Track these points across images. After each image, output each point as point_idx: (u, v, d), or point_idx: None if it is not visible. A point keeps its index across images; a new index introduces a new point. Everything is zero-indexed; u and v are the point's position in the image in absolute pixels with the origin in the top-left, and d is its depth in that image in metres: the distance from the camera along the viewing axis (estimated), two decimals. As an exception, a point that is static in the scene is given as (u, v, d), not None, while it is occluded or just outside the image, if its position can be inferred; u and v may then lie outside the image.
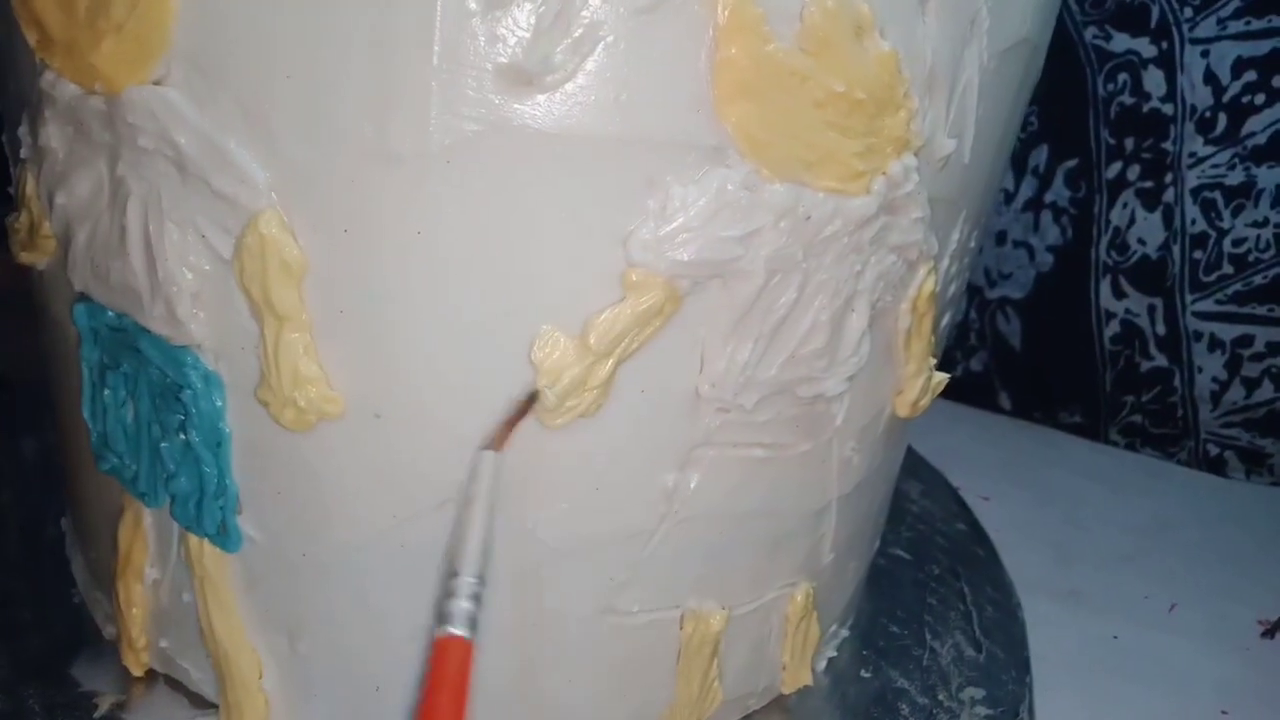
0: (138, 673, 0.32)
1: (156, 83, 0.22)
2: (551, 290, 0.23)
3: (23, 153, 0.26)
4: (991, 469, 0.53)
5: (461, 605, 0.19)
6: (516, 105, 0.21)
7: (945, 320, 0.33)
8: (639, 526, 0.27)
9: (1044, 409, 0.62)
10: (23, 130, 0.26)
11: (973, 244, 0.32)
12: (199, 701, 0.31)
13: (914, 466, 0.51)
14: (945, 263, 0.29)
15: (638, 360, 0.24)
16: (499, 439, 0.23)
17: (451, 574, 0.20)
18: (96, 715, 0.31)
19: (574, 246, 0.23)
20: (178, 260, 0.23)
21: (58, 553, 0.37)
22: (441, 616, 0.19)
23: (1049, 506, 0.51)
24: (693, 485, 0.27)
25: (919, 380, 0.31)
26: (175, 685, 0.32)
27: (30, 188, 0.26)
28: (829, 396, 0.27)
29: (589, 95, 0.21)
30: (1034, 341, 0.62)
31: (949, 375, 0.32)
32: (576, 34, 0.21)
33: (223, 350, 0.24)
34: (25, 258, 0.28)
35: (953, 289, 0.32)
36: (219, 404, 0.25)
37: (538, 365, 0.24)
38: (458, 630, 0.19)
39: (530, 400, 0.23)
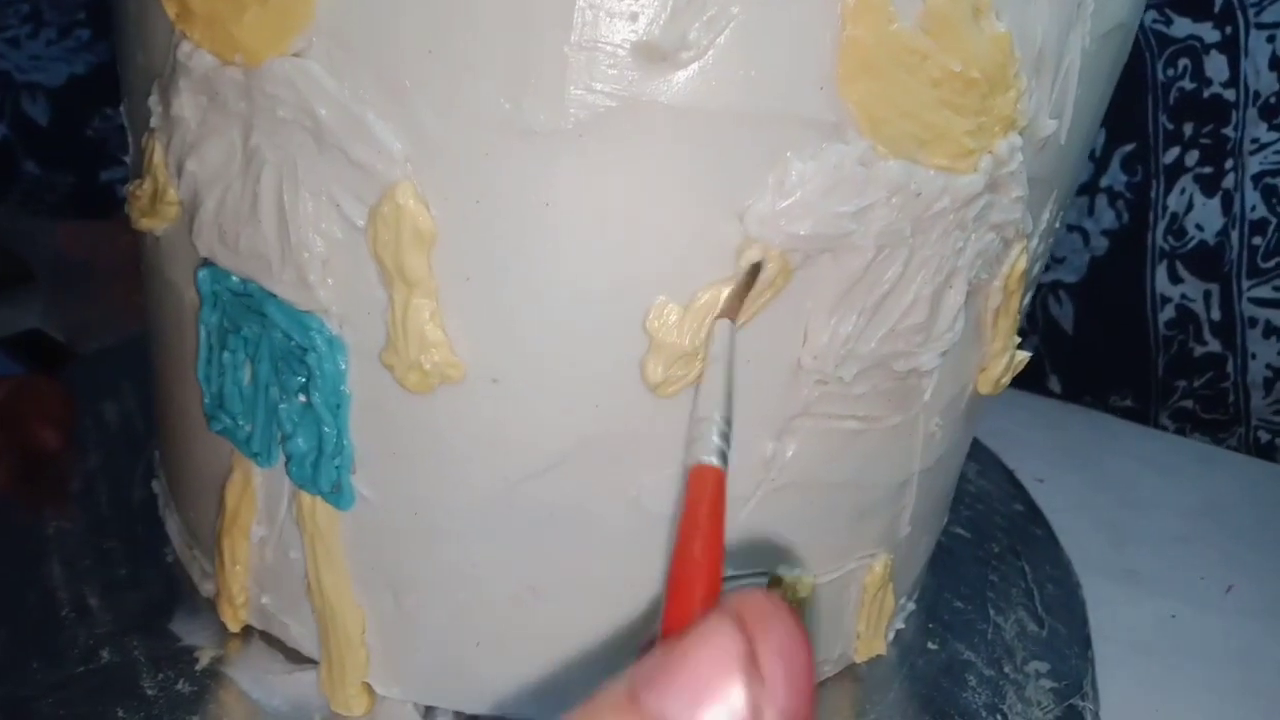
0: (235, 629, 0.33)
1: (296, 55, 0.23)
2: (668, 262, 0.24)
3: (152, 122, 0.27)
4: (1044, 452, 0.54)
5: (713, 441, 0.21)
6: (649, 82, 0.22)
7: (1027, 299, 0.33)
8: (736, 493, 0.28)
9: (1094, 392, 0.63)
10: (153, 100, 0.27)
11: (1057, 225, 0.32)
12: (295, 657, 0.32)
13: (970, 448, 0.52)
14: (1035, 242, 0.30)
15: (745, 331, 0.25)
16: (731, 309, 0.24)
17: (700, 419, 0.21)
18: (198, 668, 0.32)
19: (692, 219, 0.24)
20: (310, 227, 0.24)
21: (148, 514, 0.38)
22: (694, 452, 0.21)
23: (1102, 489, 0.52)
24: (789, 454, 0.28)
25: (1004, 358, 0.31)
26: (271, 641, 0.33)
27: (158, 156, 0.27)
28: (922, 371, 0.28)
29: (719, 72, 0.22)
30: (1086, 325, 0.62)
31: (1030, 355, 0.33)
32: (711, 12, 0.21)
33: (348, 315, 0.25)
34: (145, 224, 0.29)
35: (1036, 268, 0.32)
36: (342, 367, 0.26)
37: (651, 335, 0.24)
38: (712, 460, 0.21)
39: (755, 271, 0.24)
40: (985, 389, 0.32)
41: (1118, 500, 0.51)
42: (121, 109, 0.31)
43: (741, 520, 0.28)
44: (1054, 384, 0.65)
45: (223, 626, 0.33)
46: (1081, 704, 0.36)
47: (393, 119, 0.23)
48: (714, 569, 0.19)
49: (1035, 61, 0.25)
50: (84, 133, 0.70)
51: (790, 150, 0.23)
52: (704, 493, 0.20)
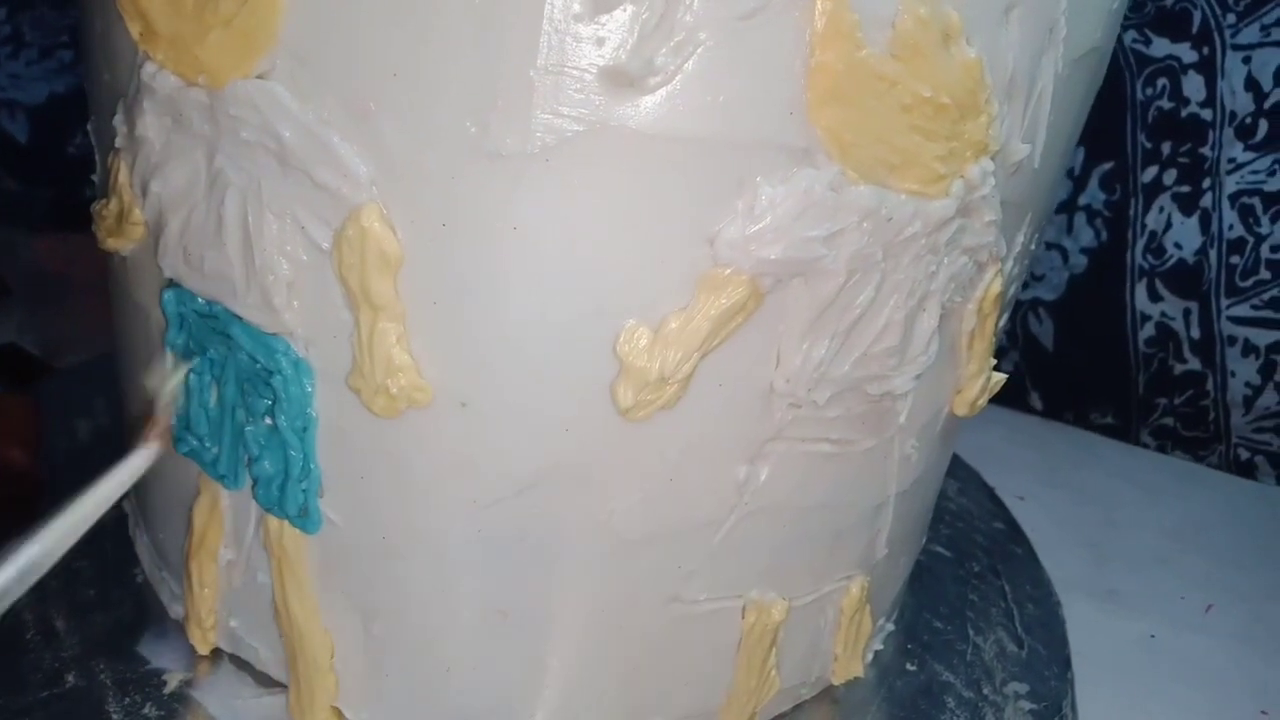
0: (204, 651, 0.33)
1: (260, 76, 0.23)
2: (638, 286, 0.24)
3: (117, 142, 0.27)
4: (1025, 469, 0.54)
5: None
6: (617, 106, 0.22)
7: (1003, 321, 0.33)
8: (709, 517, 0.28)
9: (1075, 410, 0.63)
10: (118, 120, 0.26)
11: (1033, 246, 0.32)
12: (265, 680, 0.32)
13: (950, 465, 0.52)
14: (1009, 265, 0.30)
15: (717, 355, 0.25)
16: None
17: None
18: (166, 691, 0.32)
19: (662, 244, 0.23)
20: (275, 250, 0.24)
21: (119, 533, 0.38)
22: None
23: (1083, 507, 0.52)
24: (763, 478, 0.27)
25: (979, 380, 0.31)
26: (241, 664, 0.33)
27: (123, 176, 0.27)
28: (896, 394, 0.28)
29: (687, 97, 0.22)
30: (1066, 343, 0.62)
31: (1006, 375, 0.33)
32: (678, 38, 0.21)
33: (314, 338, 0.25)
34: (111, 244, 0.29)
35: (1012, 290, 0.32)
36: (308, 390, 0.26)
37: (622, 359, 0.24)
38: None
39: None
40: (961, 411, 0.32)
41: (1099, 519, 0.51)
42: (89, 127, 0.30)
43: (717, 543, 0.28)
44: (1035, 400, 0.65)
45: (192, 649, 0.33)
46: (1060, 727, 0.36)
47: (358, 141, 0.23)
48: None
49: (1007, 87, 0.25)
50: (65, 150, 0.70)
51: (760, 175, 0.23)
52: None
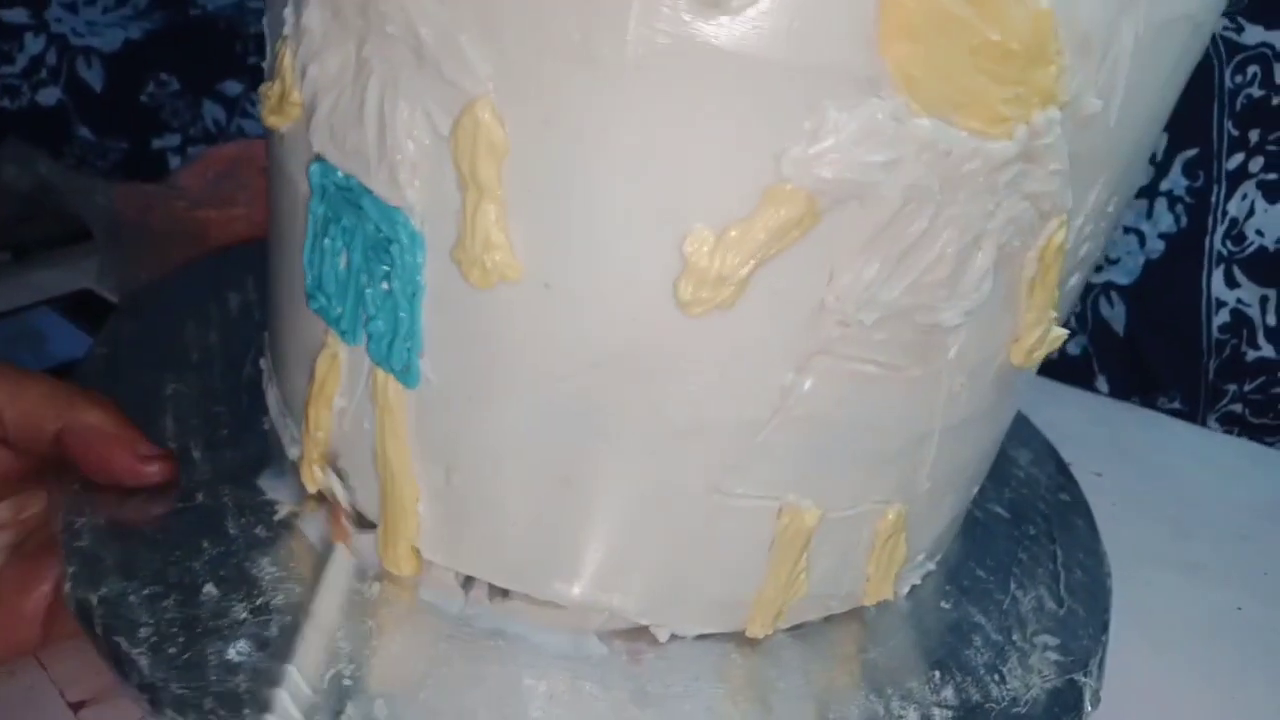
0: (312, 490, 0.37)
1: (404, -20, 0.27)
2: (707, 193, 0.27)
3: (285, 30, 0.31)
4: (1100, 447, 0.54)
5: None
6: (703, 25, 0.24)
7: (1075, 280, 0.34)
8: (753, 416, 0.30)
9: (1142, 394, 0.63)
10: (288, 10, 0.31)
11: (1111, 209, 0.33)
12: (361, 521, 0.37)
13: (1027, 436, 0.52)
14: (1079, 220, 0.31)
15: (774, 265, 0.27)
16: None
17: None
18: (276, 518, 0.37)
19: (732, 156, 0.26)
20: (404, 133, 0.28)
21: (253, 388, 0.43)
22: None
23: (1159, 484, 0.52)
24: (806, 387, 0.30)
25: (1037, 330, 0.33)
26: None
27: (287, 61, 0.31)
28: (945, 327, 0.30)
29: (768, 22, 0.24)
30: (1137, 327, 0.62)
31: (1068, 331, 0.34)
32: (764, -34, 0.24)
33: (428, 213, 0.29)
34: (273, 121, 0.33)
35: (1085, 249, 0.33)
36: (420, 260, 0.29)
37: (686, 258, 0.27)
38: None
39: None
40: (1017, 360, 0.34)
41: (1176, 495, 0.51)
42: (264, 21, 0.35)
43: (757, 443, 0.31)
44: (1101, 384, 0.65)
45: (303, 488, 0.38)
46: (1083, 680, 0.37)
47: (481, 43, 0.26)
48: None
49: (1080, 41, 0.26)
50: (137, 99, 0.70)
51: (829, 100, 0.25)
52: None
